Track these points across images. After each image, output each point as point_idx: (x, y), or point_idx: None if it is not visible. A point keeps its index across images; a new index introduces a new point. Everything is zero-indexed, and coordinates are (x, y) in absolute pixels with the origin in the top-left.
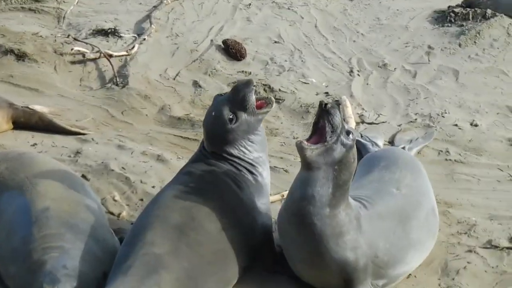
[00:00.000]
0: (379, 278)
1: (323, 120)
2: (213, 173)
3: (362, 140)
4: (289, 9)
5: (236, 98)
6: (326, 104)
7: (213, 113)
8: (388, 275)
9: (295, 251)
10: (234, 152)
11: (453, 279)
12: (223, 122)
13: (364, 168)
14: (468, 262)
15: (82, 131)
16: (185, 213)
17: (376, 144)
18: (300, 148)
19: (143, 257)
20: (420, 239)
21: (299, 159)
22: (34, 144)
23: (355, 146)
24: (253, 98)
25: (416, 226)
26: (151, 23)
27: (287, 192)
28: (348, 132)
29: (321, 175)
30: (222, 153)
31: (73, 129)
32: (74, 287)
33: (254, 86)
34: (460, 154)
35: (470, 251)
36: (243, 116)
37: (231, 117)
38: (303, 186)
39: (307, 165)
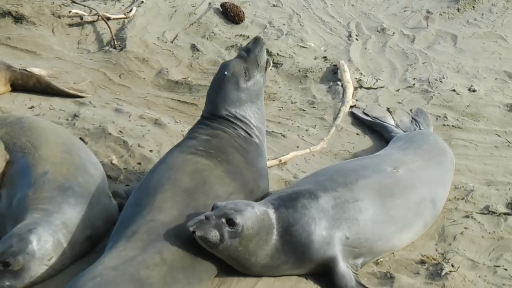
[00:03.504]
0: (357, 257)
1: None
2: (219, 137)
3: (385, 124)
4: None
5: (250, 56)
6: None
7: (226, 73)
8: (367, 253)
9: None
10: (244, 114)
11: (450, 244)
12: (237, 81)
13: (390, 145)
14: (465, 228)
15: (80, 94)
16: (197, 176)
17: (397, 126)
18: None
19: (149, 223)
20: (404, 218)
21: (297, 124)
22: (32, 107)
23: (237, 236)
24: (265, 54)
25: (401, 205)
26: None
27: (284, 157)
28: (231, 222)
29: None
30: (230, 118)
31: (71, 91)
32: (44, 252)
33: (263, 43)
34: (457, 120)
35: (467, 216)
36: (256, 74)
37: (245, 75)
38: None
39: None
